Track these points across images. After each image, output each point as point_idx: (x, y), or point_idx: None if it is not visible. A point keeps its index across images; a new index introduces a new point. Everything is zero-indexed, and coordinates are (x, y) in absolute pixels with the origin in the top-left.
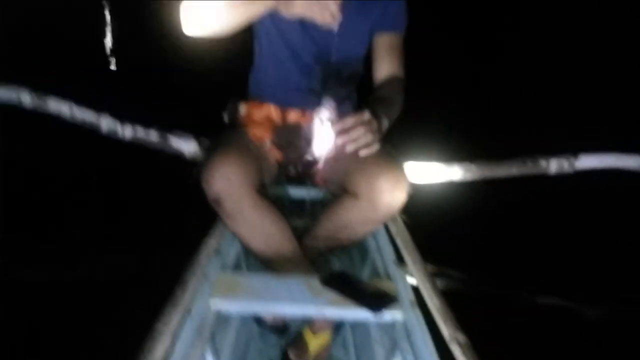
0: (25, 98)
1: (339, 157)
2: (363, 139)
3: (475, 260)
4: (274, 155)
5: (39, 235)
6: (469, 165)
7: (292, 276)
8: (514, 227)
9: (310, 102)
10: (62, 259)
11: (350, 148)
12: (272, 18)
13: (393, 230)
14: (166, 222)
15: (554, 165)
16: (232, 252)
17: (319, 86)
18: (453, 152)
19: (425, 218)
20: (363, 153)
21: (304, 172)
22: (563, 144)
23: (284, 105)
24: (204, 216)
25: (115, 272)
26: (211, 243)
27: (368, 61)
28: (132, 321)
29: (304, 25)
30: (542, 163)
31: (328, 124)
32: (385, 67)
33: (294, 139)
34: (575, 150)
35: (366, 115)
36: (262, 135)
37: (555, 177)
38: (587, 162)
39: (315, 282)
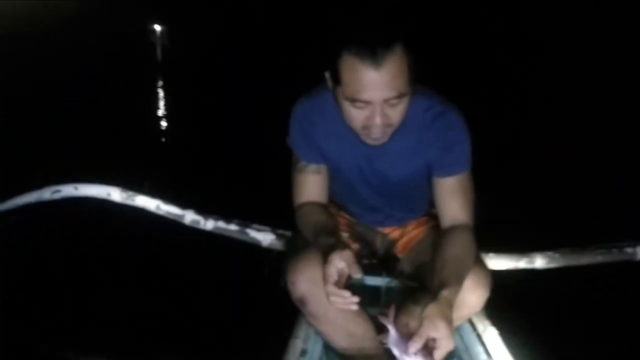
0: (116, 194)
1: (417, 251)
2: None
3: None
4: (351, 247)
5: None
6: (552, 253)
7: None
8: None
9: (379, 219)
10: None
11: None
12: (334, 161)
13: (479, 327)
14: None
15: None
16: (317, 350)
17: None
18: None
19: (510, 308)
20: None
21: (380, 265)
22: None
23: (355, 217)
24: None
25: None
26: (297, 344)
27: None
28: None
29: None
30: (628, 250)
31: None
32: (450, 212)
33: (366, 238)
34: None
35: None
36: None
37: None
38: None
39: None
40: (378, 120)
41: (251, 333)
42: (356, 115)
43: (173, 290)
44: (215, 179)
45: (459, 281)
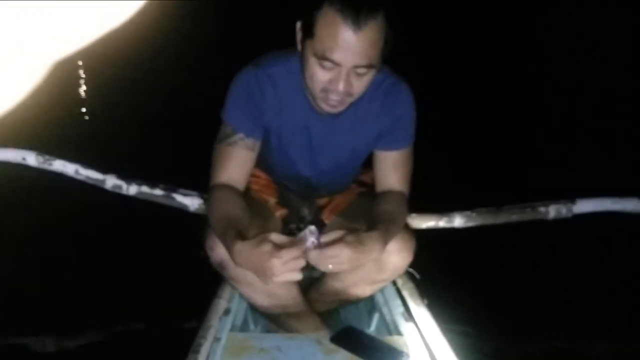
0: (31, 159)
1: (344, 216)
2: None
3: (483, 308)
4: (279, 212)
5: (40, 301)
6: (470, 213)
7: (302, 335)
8: (518, 273)
9: (310, 193)
10: (68, 326)
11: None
12: (278, 139)
13: (399, 282)
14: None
15: (552, 211)
16: (241, 309)
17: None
18: (454, 200)
19: (431, 265)
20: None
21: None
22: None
23: (286, 188)
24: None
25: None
26: (221, 303)
27: None
28: None
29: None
30: (541, 209)
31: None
32: (388, 182)
33: (294, 204)
34: (572, 195)
35: (349, 239)
36: (266, 196)
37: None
38: (584, 206)
39: (325, 340)
40: (341, 86)
41: (176, 297)
42: (320, 76)
43: (96, 256)
44: (138, 146)
45: (387, 231)
